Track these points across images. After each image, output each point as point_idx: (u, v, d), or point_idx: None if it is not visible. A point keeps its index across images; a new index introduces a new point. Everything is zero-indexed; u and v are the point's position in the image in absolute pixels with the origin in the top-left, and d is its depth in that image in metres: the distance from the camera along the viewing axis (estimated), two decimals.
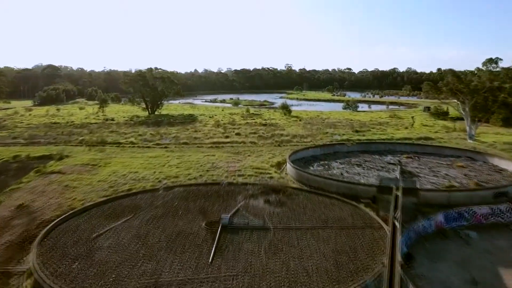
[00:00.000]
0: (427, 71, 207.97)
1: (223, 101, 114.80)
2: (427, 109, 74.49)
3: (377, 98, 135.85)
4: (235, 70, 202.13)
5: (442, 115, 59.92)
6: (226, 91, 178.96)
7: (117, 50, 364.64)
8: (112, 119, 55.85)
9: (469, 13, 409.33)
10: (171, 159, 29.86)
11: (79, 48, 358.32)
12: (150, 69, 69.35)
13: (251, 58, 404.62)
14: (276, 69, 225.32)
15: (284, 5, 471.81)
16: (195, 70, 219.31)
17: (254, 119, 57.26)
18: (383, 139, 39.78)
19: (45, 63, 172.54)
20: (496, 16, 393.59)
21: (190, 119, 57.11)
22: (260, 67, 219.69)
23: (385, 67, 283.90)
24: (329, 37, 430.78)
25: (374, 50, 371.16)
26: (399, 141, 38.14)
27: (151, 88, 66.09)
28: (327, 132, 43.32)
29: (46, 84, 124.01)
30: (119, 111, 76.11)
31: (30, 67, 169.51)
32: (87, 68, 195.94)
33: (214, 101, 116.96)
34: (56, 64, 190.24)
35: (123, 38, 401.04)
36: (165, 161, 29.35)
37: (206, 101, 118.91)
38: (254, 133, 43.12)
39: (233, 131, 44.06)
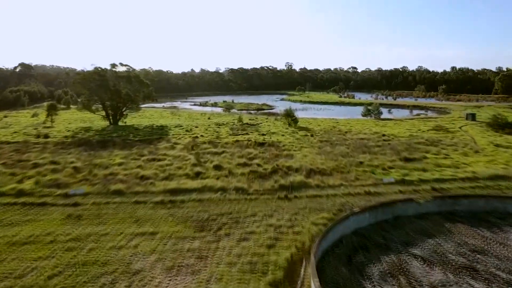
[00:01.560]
0: (439, 70, 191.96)
1: (215, 104, 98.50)
2: (471, 116, 58.20)
3: (391, 100, 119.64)
4: (231, 69, 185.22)
5: (507, 127, 43.57)
6: (222, 92, 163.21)
7: (113, 50, 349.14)
8: (46, 135, 39.39)
9: (468, 11, 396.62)
10: (52, 255, 13.48)
11: (73, 47, 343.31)
12: (113, 65, 52.81)
13: (250, 57, 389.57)
14: (276, 68, 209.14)
15: (283, 2, 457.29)
16: (192, 69, 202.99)
17: (247, 134, 40.95)
18: (463, 179, 23.42)
19: (36, 62, 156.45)
20: (495, 15, 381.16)
21: (157, 135, 40.69)
22: (259, 66, 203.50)
23: (384, 66, 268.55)
24: (330, 35, 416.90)
25: (374, 49, 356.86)
26: (499, 190, 21.83)
27: (112, 90, 49.74)
28: (361, 163, 26.94)
29: (18, 85, 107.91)
30: (77, 119, 59.79)
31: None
32: (79, 67, 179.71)
33: (205, 104, 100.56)
34: (48, 63, 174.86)
35: (121, 37, 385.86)
36: (31, 259, 13.04)
37: (195, 104, 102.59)
38: (245, 164, 26.71)
39: (211, 161, 27.67)
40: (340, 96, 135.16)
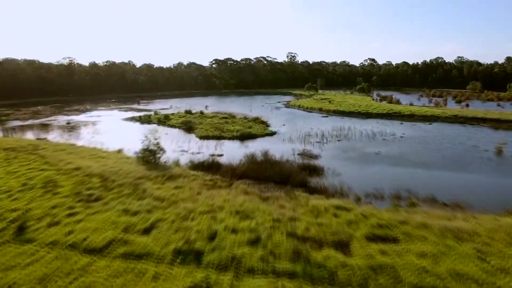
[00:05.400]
0: (489, 62, 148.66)
1: (168, 118, 54.22)
2: None
3: (456, 105, 76.06)
4: (216, 60, 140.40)
5: None
6: (202, 92, 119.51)
7: (98, 44, 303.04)
8: None
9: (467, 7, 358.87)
10: None
11: (67, 42, 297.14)
12: None
13: (247, 51, 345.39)
14: (276, 59, 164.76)
15: None
16: (179, 63, 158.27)
17: None
18: None
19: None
20: (494, 11, 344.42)
21: None
22: (253, 58, 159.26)
23: (382, 61, 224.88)
24: (331, 26, 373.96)
25: (373, 45, 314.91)
26: None
27: None
28: None
29: None
30: None
31: None
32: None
33: (149, 119, 55.79)
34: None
35: (107, 31, 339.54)
36: None
37: (133, 118, 57.95)
38: None
39: None
40: (372, 98, 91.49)
